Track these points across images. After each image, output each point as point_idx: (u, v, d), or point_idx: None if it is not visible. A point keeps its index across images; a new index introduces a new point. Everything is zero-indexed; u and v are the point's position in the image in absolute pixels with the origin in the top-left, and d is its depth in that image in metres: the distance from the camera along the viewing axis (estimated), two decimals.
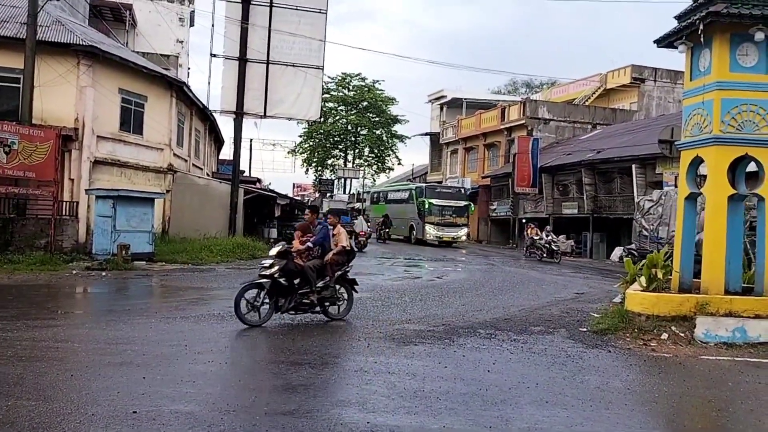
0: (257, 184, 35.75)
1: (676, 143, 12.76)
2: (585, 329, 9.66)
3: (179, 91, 23.08)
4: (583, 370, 7.24)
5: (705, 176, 10.42)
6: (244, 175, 38.84)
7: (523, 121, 39.69)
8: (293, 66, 23.99)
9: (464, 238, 34.64)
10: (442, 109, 53.87)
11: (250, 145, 52.08)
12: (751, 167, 10.26)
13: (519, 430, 5.15)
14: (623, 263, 13.30)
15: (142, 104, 20.96)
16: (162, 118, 21.83)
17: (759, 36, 9.47)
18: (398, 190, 39.46)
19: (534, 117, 39.68)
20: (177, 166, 22.96)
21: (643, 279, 10.21)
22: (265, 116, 24.05)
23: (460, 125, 47.90)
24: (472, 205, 34.43)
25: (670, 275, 10.27)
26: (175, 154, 22.81)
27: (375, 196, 44.24)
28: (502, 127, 41.85)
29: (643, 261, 10.49)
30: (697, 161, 10.45)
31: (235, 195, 23.07)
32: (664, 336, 8.80)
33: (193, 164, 26.46)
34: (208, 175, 29.63)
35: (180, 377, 6.17)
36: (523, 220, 36.16)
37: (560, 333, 9.41)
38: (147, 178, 21.11)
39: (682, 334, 8.85)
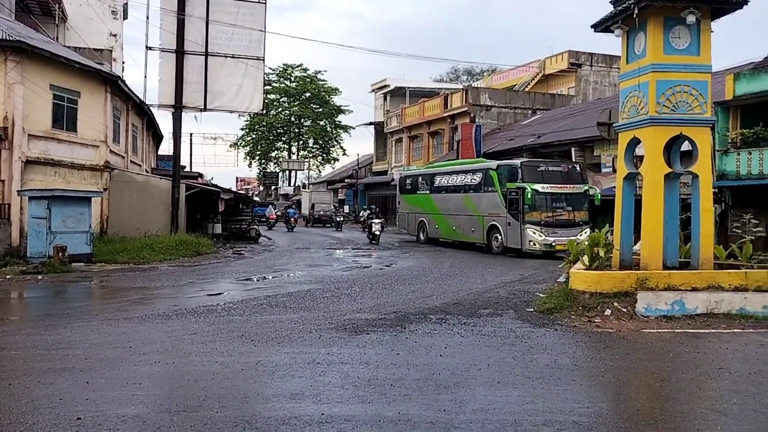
0: (199, 179, 34.96)
1: (614, 125, 13.13)
2: (532, 309, 9.86)
3: (114, 85, 22.26)
4: (532, 349, 7.38)
5: (642, 156, 10.74)
6: (186, 170, 37.95)
7: (465, 109, 40.07)
8: (233, 57, 23.44)
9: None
10: (385, 98, 53.83)
11: (191, 140, 50.93)
12: (686, 146, 10.65)
13: (472, 411, 5.19)
14: None
15: (75, 100, 20.12)
16: (97, 114, 21.01)
17: (690, 19, 9.79)
18: (459, 172, 24.53)
19: (476, 104, 40.12)
20: (114, 163, 22.18)
21: (585, 258, 10.49)
22: (205, 109, 23.44)
23: (404, 114, 48.00)
24: (597, 190, 21.04)
25: (612, 253, 10.57)
26: (111, 151, 22.02)
27: (410, 182, 28.79)
28: (445, 114, 42.16)
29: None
30: (635, 142, 10.78)
31: (177, 191, 22.46)
32: (608, 312, 9.06)
33: (131, 161, 25.63)
34: (147, 171, 28.77)
35: (125, 380, 5.96)
36: None
37: (508, 314, 9.57)
38: (83, 177, 20.31)
39: (625, 310, 9.13)
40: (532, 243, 19.68)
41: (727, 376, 6.34)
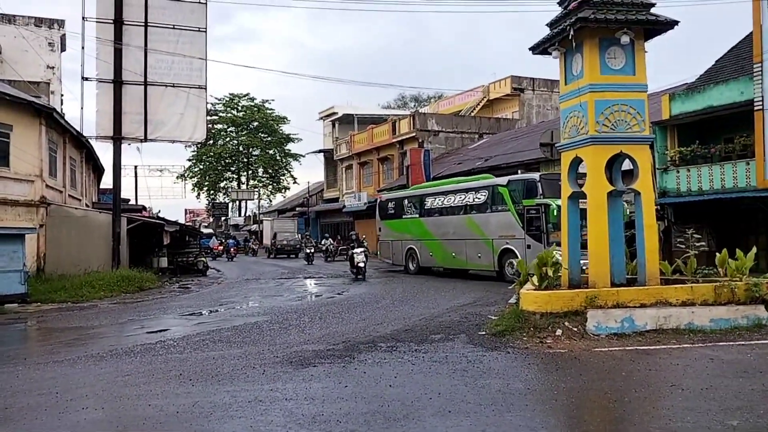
0: (143, 212, 33.93)
1: (556, 145, 13.26)
2: (484, 333, 9.69)
3: (49, 118, 21.43)
4: (484, 374, 7.17)
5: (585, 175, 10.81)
6: (129, 203, 36.84)
7: (413, 134, 40.34)
8: (174, 86, 22.97)
9: None
10: (334, 125, 53.82)
11: (135, 173, 49.55)
12: (627, 165, 10.78)
13: None
14: None
15: (8, 134, 19.27)
16: (31, 147, 20.15)
17: (625, 39, 9.97)
18: (457, 192, 21.78)
19: (424, 129, 40.45)
20: (51, 198, 21.26)
21: (535, 278, 10.42)
22: (146, 140, 22.81)
23: (353, 141, 48.01)
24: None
25: (561, 272, 10.54)
26: (48, 186, 21.12)
27: (393, 206, 25.50)
28: (394, 140, 42.33)
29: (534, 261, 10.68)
30: (577, 161, 10.85)
31: (117, 225, 21.65)
32: (559, 332, 8.97)
33: (70, 195, 24.65)
34: (87, 205, 27.74)
35: (48, 430, 5.47)
36: None
37: (460, 339, 9.37)
38: (17, 213, 19.37)
39: (575, 329, 9.05)
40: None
41: (680, 393, 6.26)
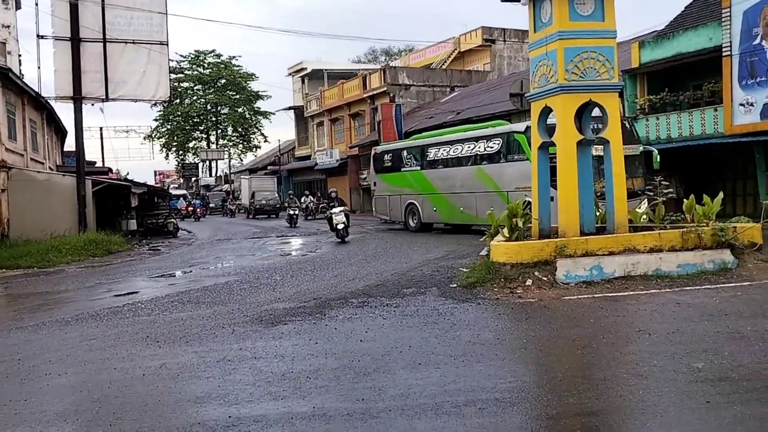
0: (110, 174, 33.19)
1: (526, 95, 13.11)
2: (455, 285, 9.70)
3: (5, 78, 20.60)
4: (455, 326, 7.18)
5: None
6: (96, 165, 36.03)
7: (384, 89, 39.84)
8: (134, 43, 22.13)
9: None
10: (303, 81, 52.88)
11: (101, 134, 48.32)
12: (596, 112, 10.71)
13: (392, 398, 4.90)
14: None
15: None
16: None
17: None
18: (465, 141, 19.84)
19: (395, 83, 39.96)
20: (12, 162, 20.61)
21: (505, 229, 10.42)
22: (107, 99, 22.06)
23: (323, 97, 47.31)
24: (655, 151, 17.02)
25: (531, 223, 10.55)
26: (7, 149, 20.44)
27: (390, 158, 23.58)
28: (365, 95, 41.79)
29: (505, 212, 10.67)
30: (547, 111, 10.74)
31: (82, 188, 21.09)
32: (529, 282, 9.00)
33: (32, 158, 23.93)
34: (51, 168, 27.02)
35: (8, 398, 5.33)
36: None
37: (432, 292, 9.37)
38: None
39: (545, 278, 9.10)
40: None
41: (647, 338, 6.33)
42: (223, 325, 7.74)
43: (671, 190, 13.88)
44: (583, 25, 10.07)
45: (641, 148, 16.61)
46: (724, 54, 19.36)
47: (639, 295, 8.45)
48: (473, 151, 19.26)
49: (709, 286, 8.77)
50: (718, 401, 4.51)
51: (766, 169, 19.58)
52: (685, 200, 11.04)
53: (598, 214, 10.98)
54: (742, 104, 18.99)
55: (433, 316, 7.70)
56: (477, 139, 19.24)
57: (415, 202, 21.94)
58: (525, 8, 10.93)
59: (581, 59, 10.07)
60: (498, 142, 18.39)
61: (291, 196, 31.84)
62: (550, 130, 10.73)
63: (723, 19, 19.46)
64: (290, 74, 55.96)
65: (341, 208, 19.14)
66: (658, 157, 16.04)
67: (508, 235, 10.25)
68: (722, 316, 7.04)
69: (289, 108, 55.32)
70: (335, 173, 44.93)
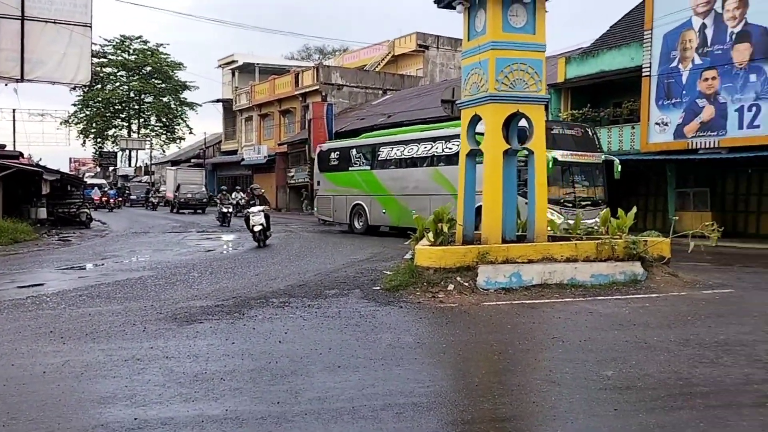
0: (20, 159, 31.29)
1: (456, 102, 13.30)
2: (378, 288, 9.68)
3: None
4: (376, 328, 7.14)
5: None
6: (6, 149, 33.86)
7: (317, 87, 39.57)
8: (55, 23, 21.06)
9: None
10: (234, 74, 51.76)
11: (14, 116, 45.56)
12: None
13: (308, 401, 4.80)
14: None
15: None
16: None
17: None
18: (421, 141, 19.00)
19: (327, 83, 39.75)
20: None
21: (430, 234, 10.49)
22: (22, 80, 20.89)
23: (253, 91, 46.47)
24: (617, 160, 16.48)
25: (455, 228, 10.68)
26: None
27: (337, 156, 22.71)
28: (296, 92, 41.36)
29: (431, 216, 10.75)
30: (476, 119, 10.92)
31: None
32: (451, 287, 9.09)
33: None
34: None
35: None
36: None
37: (354, 294, 9.31)
38: None
39: (467, 284, 9.21)
40: (549, 229, 14.74)
41: (561, 345, 6.49)
42: (134, 322, 7.39)
43: (589, 202, 14.45)
44: (515, 37, 10.29)
45: (603, 157, 16.59)
46: (643, 74, 20.35)
47: (554, 303, 8.69)
48: (430, 151, 18.47)
49: (619, 297, 9.12)
50: (626, 409, 4.66)
51: (676, 187, 20.70)
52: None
53: (518, 222, 11.24)
54: (657, 123, 20.00)
55: (355, 319, 7.64)
56: (435, 139, 18.46)
57: (363, 204, 21.13)
58: (460, 16, 11.05)
59: (511, 70, 10.28)
60: (458, 143, 16.55)
61: (224, 192, 29.31)
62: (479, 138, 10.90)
63: (644, 41, 20.46)
64: (220, 66, 54.68)
65: (261, 208, 17.01)
66: (619, 166, 16.06)
67: (432, 240, 10.33)
68: (631, 326, 7.33)
69: (218, 100, 54.05)
70: (262, 170, 44.22)
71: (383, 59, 45.17)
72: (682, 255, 11.23)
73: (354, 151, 21.91)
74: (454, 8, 10.97)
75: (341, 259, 13.67)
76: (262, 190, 19.12)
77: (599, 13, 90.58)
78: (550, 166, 14.03)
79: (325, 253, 15.11)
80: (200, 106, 62.68)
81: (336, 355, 6.06)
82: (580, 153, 15.86)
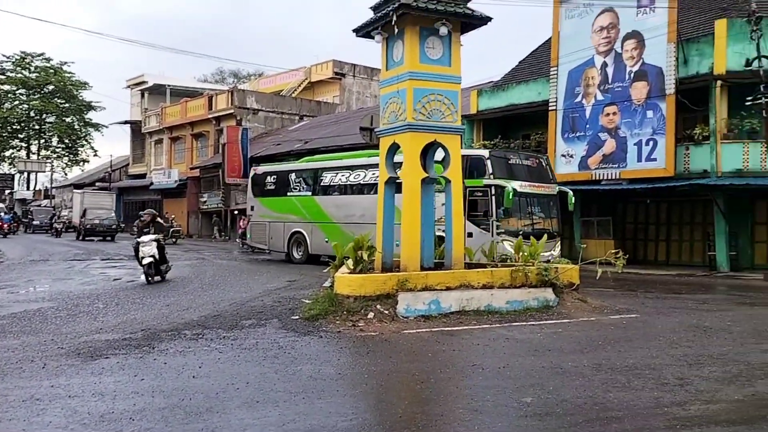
0: None
1: (375, 130, 13.40)
2: (297, 317, 9.48)
3: None
4: (296, 360, 6.96)
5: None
6: None
7: (231, 111, 38.94)
8: None
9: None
10: (143, 95, 50.12)
11: None
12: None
13: None
14: None
15: None
16: None
17: (443, 30, 10.26)
18: (372, 166, 16.86)
19: (242, 107, 39.21)
20: None
21: (350, 261, 10.43)
22: None
23: (164, 113, 45.12)
24: (569, 191, 16.41)
25: (375, 256, 10.67)
26: None
27: (274, 180, 21.53)
28: (210, 116, 40.52)
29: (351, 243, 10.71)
30: (395, 147, 11.02)
31: None
32: (371, 315, 9.04)
33: None
34: None
35: None
36: (236, 212, 35.57)
37: (272, 324, 9.07)
38: None
39: (387, 312, 9.19)
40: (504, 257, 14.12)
41: (480, 372, 6.55)
42: (32, 359, 6.84)
43: (502, 230, 14.85)
44: (432, 69, 10.52)
45: (557, 188, 16.42)
46: (550, 108, 21.37)
47: (473, 330, 8.81)
48: (378, 178, 16.73)
49: (534, 323, 9.37)
50: None
51: (581, 216, 21.69)
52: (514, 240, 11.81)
53: (436, 249, 11.38)
54: (563, 155, 20.99)
55: (273, 350, 7.42)
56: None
57: (303, 231, 19.99)
58: (377, 45, 11.19)
59: (429, 100, 10.49)
60: None
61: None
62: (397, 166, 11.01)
63: (551, 77, 21.53)
64: (129, 86, 52.82)
65: (152, 237, 14.22)
66: (573, 198, 16.07)
67: (352, 267, 10.26)
68: (546, 351, 7.52)
69: (126, 122, 52.05)
70: (172, 195, 42.81)
71: (300, 85, 45.16)
72: (589, 281, 11.70)
73: (293, 176, 20.88)
74: (373, 38, 11.10)
75: (257, 288, 13.33)
76: (173, 217, 17.62)
77: (509, 48, 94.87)
78: (510, 197, 14.13)
79: (240, 281, 14.70)
80: (106, 127, 60.19)
81: (254, 389, 5.83)
82: (537, 184, 15.79)
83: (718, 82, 18.03)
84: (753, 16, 16.52)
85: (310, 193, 20.08)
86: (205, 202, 39.70)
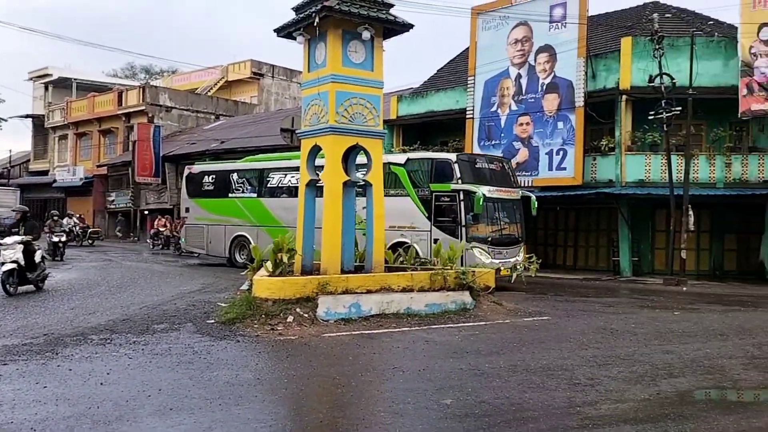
0: None
1: (296, 132, 13.25)
2: (213, 321, 9.20)
3: None
4: (212, 365, 6.73)
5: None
6: None
7: (143, 108, 37.39)
8: None
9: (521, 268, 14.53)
10: (47, 88, 47.22)
11: None
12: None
13: None
14: None
15: None
16: None
17: (366, 35, 10.29)
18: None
19: (155, 104, 37.76)
20: None
21: (269, 264, 10.24)
22: None
23: (70, 108, 42.72)
24: (533, 196, 16.03)
25: (295, 259, 10.53)
26: None
27: (213, 180, 20.19)
28: (119, 112, 38.75)
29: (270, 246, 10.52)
30: (316, 149, 10.93)
31: None
32: (290, 319, 8.90)
33: None
34: None
35: None
36: (146, 212, 34.21)
37: (186, 328, 8.75)
38: None
39: (307, 315, 9.08)
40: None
41: (401, 375, 6.58)
42: None
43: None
44: (355, 72, 10.52)
45: (520, 193, 16.10)
46: (467, 116, 21.88)
47: (392, 333, 8.84)
48: None
49: (452, 325, 9.52)
50: None
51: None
52: (433, 245, 11.98)
53: (356, 252, 11.37)
54: None
55: (188, 355, 7.15)
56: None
57: (247, 235, 18.55)
58: (299, 47, 11.05)
59: (351, 104, 10.48)
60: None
61: (55, 218, 23.09)
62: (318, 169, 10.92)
63: (468, 86, 22.05)
64: (31, 79, 49.62)
65: (19, 239, 11.91)
66: (536, 203, 15.79)
67: (271, 270, 10.07)
68: (464, 353, 7.65)
69: (27, 116, 48.86)
70: (77, 193, 40.61)
71: (216, 84, 44.01)
72: (503, 284, 12.05)
73: (235, 176, 19.47)
74: (294, 39, 10.97)
75: (170, 291, 12.83)
76: (81, 216, 15.59)
77: (430, 56, 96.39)
78: (481, 203, 13.66)
79: (152, 284, 14.11)
80: (5, 121, 56.11)
81: (167, 396, 5.59)
82: (504, 189, 15.33)
83: (624, 97, 19.04)
84: (656, 35, 17.55)
85: (255, 195, 18.86)
86: (113, 201, 37.91)
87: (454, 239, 14.02)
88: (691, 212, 17.13)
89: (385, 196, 15.00)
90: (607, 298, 14.05)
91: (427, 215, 14.81)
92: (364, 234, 11.39)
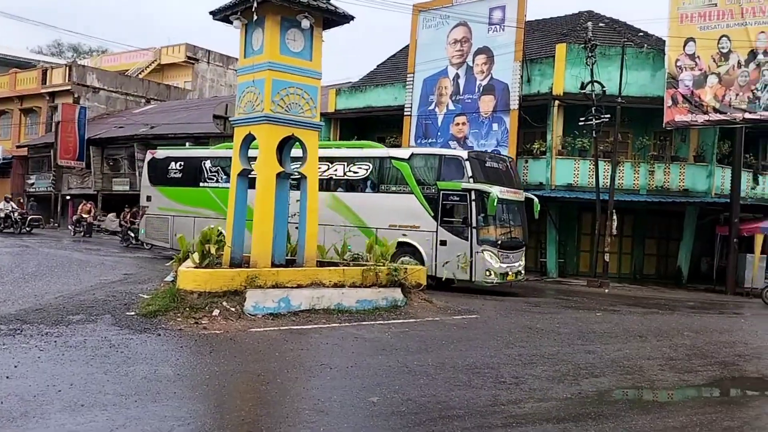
0: None
1: (230, 119, 12.89)
2: (133, 313, 8.81)
3: None
4: (129, 360, 6.42)
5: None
6: None
7: (69, 87, 35.66)
8: None
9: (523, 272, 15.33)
10: None
11: None
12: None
13: None
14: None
15: None
16: None
17: (305, 23, 10.08)
18: (324, 160, 14.43)
19: (82, 84, 36.08)
20: None
21: (196, 255, 9.90)
22: None
23: None
24: (535, 199, 15.14)
25: (224, 250, 10.23)
26: None
27: (181, 167, 18.47)
28: (43, 91, 36.82)
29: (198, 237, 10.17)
30: (250, 138, 10.65)
31: None
32: (216, 312, 8.62)
33: None
34: None
35: None
36: (68, 197, 32.67)
37: (104, 320, 8.34)
38: None
39: (234, 309, 8.82)
40: (488, 273, 13.60)
41: (329, 371, 6.46)
42: None
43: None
44: (293, 61, 10.30)
45: (525, 194, 15.31)
46: (405, 113, 21.91)
47: (322, 329, 8.71)
48: (326, 173, 15.24)
49: (382, 322, 9.47)
50: None
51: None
52: (367, 240, 11.90)
53: (288, 246, 11.15)
54: None
55: (104, 349, 6.80)
56: (333, 159, 15.51)
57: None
58: (236, 32, 10.75)
59: (287, 93, 10.26)
60: (367, 167, 15.20)
61: (7, 198, 21.53)
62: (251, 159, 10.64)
63: (407, 83, 22.08)
64: None
65: None
66: (539, 205, 15.10)
67: (198, 261, 9.74)
68: (393, 350, 7.61)
69: None
70: None
71: (148, 66, 42.46)
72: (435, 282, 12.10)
73: (209, 163, 17.71)
74: (231, 23, 10.63)
75: (89, 280, 12.24)
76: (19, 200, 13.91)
77: (367, 52, 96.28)
78: (495, 204, 13.13)
79: (69, 272, 13.42)
80: None
81: (79, 391, 5.29)
82: (512, 190, 14.71)
83: (556, 102, 19.53)
84: (589, 44, 18.07)
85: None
86: (32, 184, 35.98)
87: (462, 241, 13.68)
88: (615, 217, 17.76)
89: (386, 192, 15.24)
90: (533, 298, 14.37)
91: (433, 215, 14.09)
92: (296, 227, 11.19)
